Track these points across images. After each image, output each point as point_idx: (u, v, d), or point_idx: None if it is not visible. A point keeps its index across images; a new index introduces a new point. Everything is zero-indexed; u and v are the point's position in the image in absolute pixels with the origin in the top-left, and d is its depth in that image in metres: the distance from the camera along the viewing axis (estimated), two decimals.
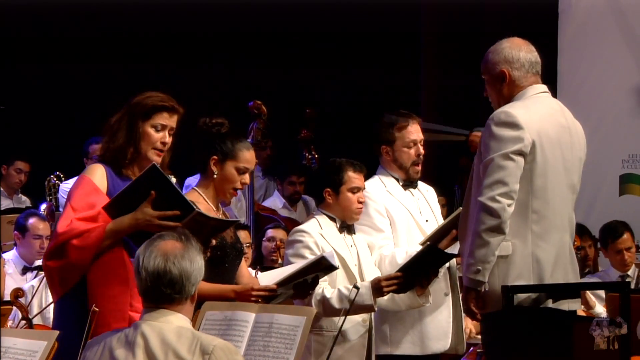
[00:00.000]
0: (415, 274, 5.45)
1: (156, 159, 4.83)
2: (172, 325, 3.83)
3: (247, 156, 5.14)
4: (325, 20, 10.91)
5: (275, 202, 9.78)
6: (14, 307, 6.76)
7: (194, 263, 3.87)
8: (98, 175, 4.77)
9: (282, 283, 5.07)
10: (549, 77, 5.76)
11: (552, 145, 4.80)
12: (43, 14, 10.60)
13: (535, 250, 4.79)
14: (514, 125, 4.73)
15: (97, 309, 4.39)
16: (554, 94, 5.20)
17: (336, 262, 5.19)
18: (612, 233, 7.89)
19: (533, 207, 4.78)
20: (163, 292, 3.84)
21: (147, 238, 4.05)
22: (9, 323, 6.62)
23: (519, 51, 4.91)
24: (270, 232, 8.21)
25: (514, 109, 4.79)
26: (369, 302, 5.39)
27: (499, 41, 5.00)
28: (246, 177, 5.16)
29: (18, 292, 6.32)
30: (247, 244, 6.98)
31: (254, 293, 4.98)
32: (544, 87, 4.95)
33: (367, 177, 5.86)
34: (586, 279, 7.70)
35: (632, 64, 9.19)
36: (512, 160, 4.70)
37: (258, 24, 11.10)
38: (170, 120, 4.87)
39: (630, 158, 9.15)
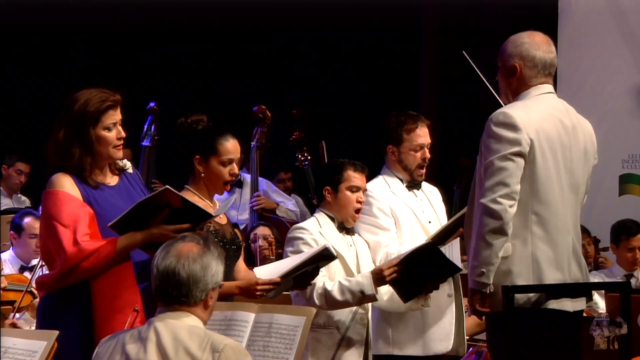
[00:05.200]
0: (420, 280, 5.44)
1: (118, 154, 4.77)
2: (184, 323, 3.88)
3: (228, 147, 5.07)
4: (324, 20, 10.91)
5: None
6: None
7: (207, 269, 3.88)
8: (68, 185, 4.66)
9: (285, 275, 5.07)
10: None
11: (551, 145, 4.78)
12: (43, 13, 10.58)
13: (535, 251, 4.76)
14: (512, 126, 4.71)
15: (138, 309, 4.41)
16: None
17: (334, 252, 5.21)
18: (626, 230, 8.01)
19: (533, 209, 4.76)
20: (170, 293, 3.87)
21: (158, 246, 4.03)
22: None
23: (536, 50, 4.86)
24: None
25: (513, 110, 4.77)
26: (371, 292, 5.37)
27: (520, 33, 4.92)
28: (234, 168, 5.09)
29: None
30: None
31: (259, 287, 4.99)
32: (550, 88, 4.91)
33: (372, 177, 5.85)
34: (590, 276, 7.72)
35: (632, 64, 9.20)
36: (512, 161, 4.68)
37: (256, 24, 11.10)
38: (117, 115, 4.76)
39: (630, 158, 9.15)
